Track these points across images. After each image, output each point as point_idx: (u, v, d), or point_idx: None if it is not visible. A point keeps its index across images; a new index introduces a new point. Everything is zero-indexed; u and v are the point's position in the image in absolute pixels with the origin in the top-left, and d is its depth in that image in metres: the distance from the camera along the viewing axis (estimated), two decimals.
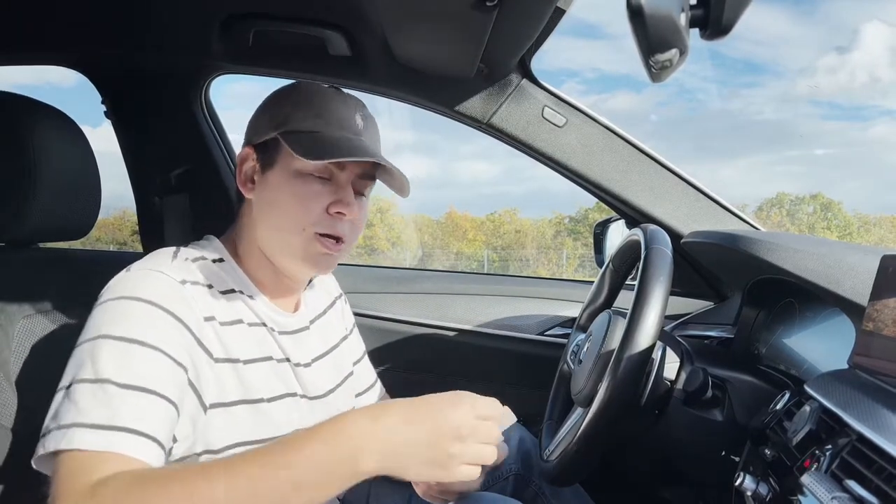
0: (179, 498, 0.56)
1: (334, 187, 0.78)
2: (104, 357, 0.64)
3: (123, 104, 1.34)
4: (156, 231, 1.35)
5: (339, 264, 0.84)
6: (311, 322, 0.90)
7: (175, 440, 0.70)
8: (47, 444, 0.62)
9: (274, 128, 0.78)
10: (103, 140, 1.63)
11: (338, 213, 0.78)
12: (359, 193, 0.81)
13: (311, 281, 0.95)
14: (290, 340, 0.84)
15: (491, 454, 0.63)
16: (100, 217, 0.99)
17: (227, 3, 1.12)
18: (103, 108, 1.33)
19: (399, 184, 0.83)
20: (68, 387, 0.64)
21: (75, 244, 1.09)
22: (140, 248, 1.38)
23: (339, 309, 1.00)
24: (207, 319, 0.73)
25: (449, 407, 0.62)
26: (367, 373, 1.05)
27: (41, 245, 0.98)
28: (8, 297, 0.83)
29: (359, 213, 0.80)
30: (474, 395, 0.65)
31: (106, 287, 0.71)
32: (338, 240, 0.79)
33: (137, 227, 1.40)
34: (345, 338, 0.99)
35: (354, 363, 1.01)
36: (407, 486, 0.90)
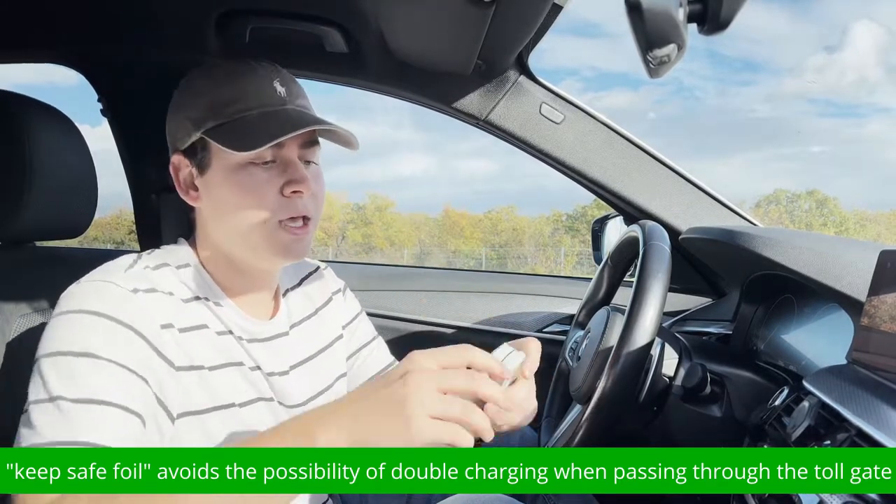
0: None
1: (281, 167, 0.74)
2: (53, 375, 0.63)
3: (120, 101, 1.33)
4: (152, 229, 1.35)
5: (336, 262, 0.83)
6: (292, 327, 0.85)
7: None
8: None
9: (195, 128, 0.73)
10: (102, 139, 1.62)
11: (294, 192, 0.73)
12: (308, 162, 0.77)
13: (300, 283, 0.91)
14: (263, 348, 0.79)
15: (462, 409, 0.56)
16: (96, 216, 0.98)
17: (223, 0, 1.11)
18: (99, 105, 1.33)
19: (345, 139, 0.78)
20: (26, 411, 0.63)
21: (72, 243, 1.08)
22: (137, 247, 1.38)
23: (336, 305, 0.94)
24: (165, 327, 0.69)
25: (403, 362, 0.58)
26: (376, 360, 0.99)
27: (37, 244, 0.98)
28: (4, 296, 0.83)
29: (315, 185, 0.76)
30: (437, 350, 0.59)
31: (58, 301, 0.68)
32: (304, 220, 0.75)
33: (134, 227, 1.40)
34: (339, 337, 0.93)
35: (349, 357, 0.95)
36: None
